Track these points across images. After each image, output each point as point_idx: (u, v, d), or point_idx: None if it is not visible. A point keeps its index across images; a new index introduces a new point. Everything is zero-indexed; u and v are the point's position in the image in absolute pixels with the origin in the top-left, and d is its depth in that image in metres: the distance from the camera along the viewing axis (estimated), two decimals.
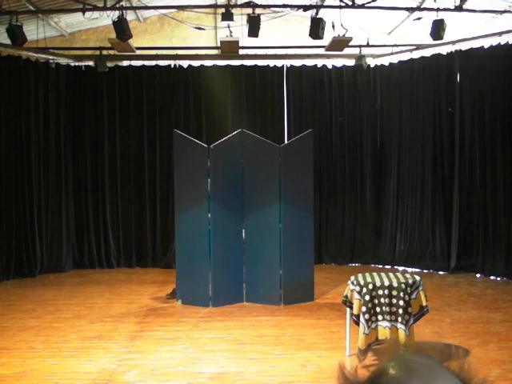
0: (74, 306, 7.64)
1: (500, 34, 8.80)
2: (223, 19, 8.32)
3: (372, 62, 10.32)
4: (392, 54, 10.15)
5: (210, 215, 7.41)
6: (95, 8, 8.26)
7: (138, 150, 10.04)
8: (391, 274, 5.46)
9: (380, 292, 5.11)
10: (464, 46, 9.30)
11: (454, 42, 9.29)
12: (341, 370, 1.11)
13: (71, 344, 6.01)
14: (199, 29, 9.53)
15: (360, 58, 9.91)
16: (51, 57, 10.00)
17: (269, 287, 7.54)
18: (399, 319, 5.06)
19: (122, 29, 7.96)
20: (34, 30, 9.06)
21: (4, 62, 9.30)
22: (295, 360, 5.48)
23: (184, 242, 7.62)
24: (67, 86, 10.10)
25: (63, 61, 10.15)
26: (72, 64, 10.21)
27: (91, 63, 10.09)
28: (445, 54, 9.47)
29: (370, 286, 5.14)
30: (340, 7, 8.35)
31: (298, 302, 7.46)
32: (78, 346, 5.93)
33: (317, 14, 8.20)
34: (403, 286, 5.11)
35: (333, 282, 8.55)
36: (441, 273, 9.34)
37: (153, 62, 10.28)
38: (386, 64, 10.26)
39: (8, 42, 8.34)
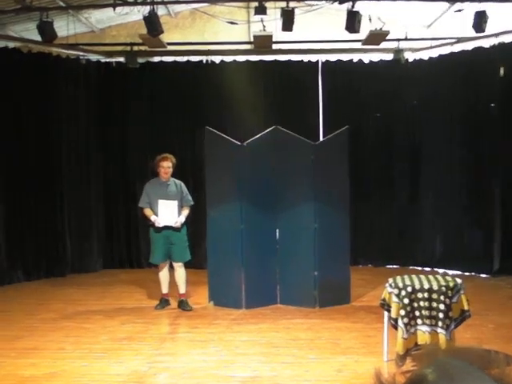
0: (104, 306, 7.72)
1: None
2: (256, 13, 8.27)
3: (410, 57, 10.18)
4: (431, 47, 10.01)
5: (242, 214, 7.42)
6: (126, 3, 8.28)
7: (168, 147, 10.02)
8: (431, 277, 5.37)
9: (419, 295, 5.04)
10: (507, 39, 9.12)
11: (496, 35, 9.09)
12: (377, 376, 1.07)
13: (101, 345, 6.06)
14: (231, 23, 9.52)
15: (398, 52, 9.80)
16: (81, 53, 10.08)
17: (303, 289, 7.51)
18: (439, 323, 4.98)
19: (152, 24, 7.97)
20: (64, 27, 9.14)
21: (34, 59, 9.42)
22: (330, 364, 5.44)
23: (215, 242, 7.64)
24: (97, 82, 10.19)
25: (93, 57, 10.23)
26: (102, 60, 10.29)
27: (122, 59, 10.13)
28: (487, 47, 9.30)
29: (409, 289, 5.06)
30: None
31: (333, 305, 7.42)
32: (109, 348, 5.98)
33: (353, 6, 8.10)
34: (444, 288, 5.02)
35: (369, 285, 8.47)
36: (482, 275, 9.19)
37: (184, 58, 10.30)
38: (425, 58, 10.10)
39: (38, 38, 8.41)
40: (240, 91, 10.09)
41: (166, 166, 7.47)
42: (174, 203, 7.39)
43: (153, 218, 7.35)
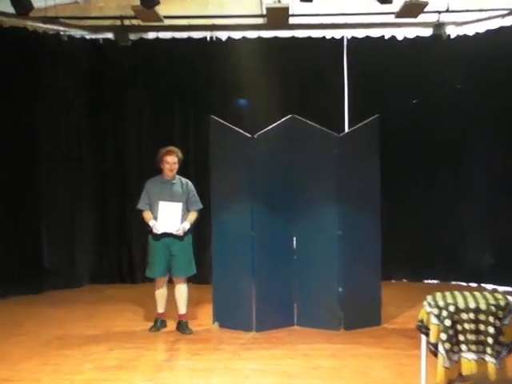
0: (88, 328, 7.73)
1: None
2: None
3: (453, 32, 10.18)
4: (478, 21, 9.99)
5: (253, 219, 7.43)
6: None
7: (167, 140, 10.01)
8: (478, 294, 5.35)
9: (464, 316, 5.02)
10: None
11: None
12: None
13: (85, 375, 6.05)
14: None
15: (438, 26, 9.78)
16: (62, 28, 10.13)
17: (325, 308, 7.50)
18: (488, 350, 4.95)
19: None
20: None
21: (6, 35, 9.44)
22: None
23: (222, 252, 7.65)
24: (82, 63, 10.28)
25: (77, 33, 10.28)
26: (87, 37, 10.34)
27: (110, 36, 10.19)
28: None
29: (452, 309, 5.05)
30: None
31: (361, 327, 7.42)
32: (94, 378, 5.97)
33: None
34: (493, 308, 5.00)
35: (404, 303, 8.46)
36: None
37: (185, 34, 10.36)
38: (471, 34, 10.10)
39: (11, 10, 8.41)
40: (250, 74, 10.07)
41: (172, 161, 7.46)
42: (178, 206, 7.38)
43: (151, 222, 7.36)
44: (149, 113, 10.36)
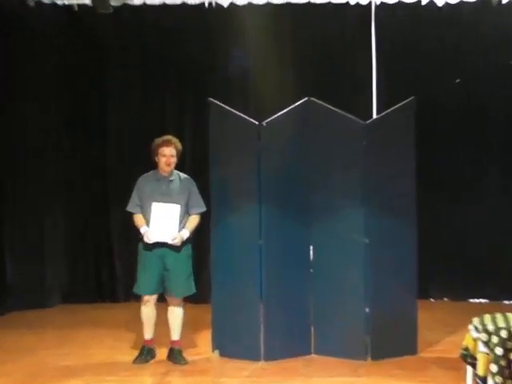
0: (61, 357, 7.67)
1: None
2: None
3: None
4: None
5: (261, 224, 7.36)
6: None
7: (158, 128, 9.90)
8: None
9: None
10: None
11: None
12: None
13: None
14: None
15: None
16: None
17: (349, 333, 7.42)
18: None
19: None
20: None
21: None
22: None
23: (223, 265, 7.59)
24: (52, 35, 10.21)
25: None
26: (59, 2, 10.28)
27: (87, 1, 10.12)
28: None
29: (504, 334, 5.01)
30: None
31: (392, 356, 7.34)
32: None
33: None
34: None
35: (445, 327, 8.46)
36: None
37: (178, 0, 10.31)
38: None
39: None
40: (257, 48, 10.08)
41: (169, 153, 7.36)
42: (175, 208, 7.25)
43: (142, 229, 7.25)
44: (135, 96, 10.34)
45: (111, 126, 10.46)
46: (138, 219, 7.34)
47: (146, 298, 7.40)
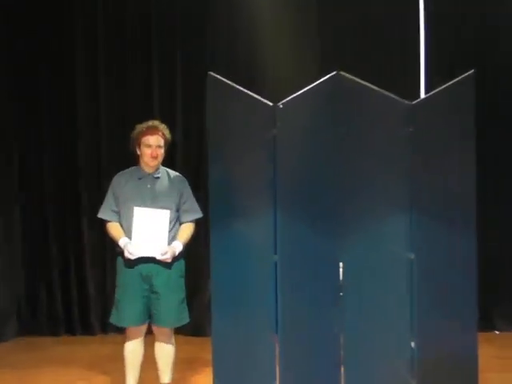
0: None
1: None
2: None
3: None
4: None
5: (276, 236, 7.20)
6: None
7: (140, 117, 10.03)
8: None
9: None
10: None
11: None
12: None
13: None
14: None
15: None
16: None
17: (390, 372, 7.28)
18: None
19: None
20: None
21: None
22: None
23: (227, 288, 7.35)
24: (10, 13, 10.41)
25: None
26: None
27: None
28: None
29: None
30: None
31: None
32: None
33: None
34: None
35: None
36: None
37: None
38: None
39: None
40: (270, 11, 10.19)
41: (155, 143, 7.30)
42: (164, 214, 7.11)
43: (122, 240, 7.14)
44: (110, 72, 10.40)
45: (79, 110, 10.63)
46: (114, 229, 7.26)
47: (130, 329, 7.30)
